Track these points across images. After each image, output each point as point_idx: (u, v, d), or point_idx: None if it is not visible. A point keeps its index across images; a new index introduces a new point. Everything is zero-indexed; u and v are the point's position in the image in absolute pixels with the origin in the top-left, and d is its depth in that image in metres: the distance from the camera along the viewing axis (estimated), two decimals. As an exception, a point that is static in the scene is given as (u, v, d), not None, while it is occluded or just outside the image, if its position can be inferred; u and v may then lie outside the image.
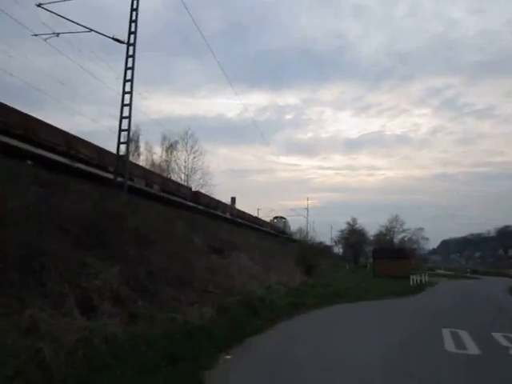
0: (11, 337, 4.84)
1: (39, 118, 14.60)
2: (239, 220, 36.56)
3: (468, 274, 68.63)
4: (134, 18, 15.94)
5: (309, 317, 13.21)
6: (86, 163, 16.10)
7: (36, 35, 15.87)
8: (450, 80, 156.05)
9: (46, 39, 15.86)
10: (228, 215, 34.11)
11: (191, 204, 26.03)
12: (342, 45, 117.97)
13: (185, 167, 42.31)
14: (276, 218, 59.60)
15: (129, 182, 17.84)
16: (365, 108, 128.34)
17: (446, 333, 10.46)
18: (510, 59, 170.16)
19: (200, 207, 27.00)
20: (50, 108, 71.89)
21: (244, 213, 41.08)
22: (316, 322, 12.44)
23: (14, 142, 12.42)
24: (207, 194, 33.22)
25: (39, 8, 15.29)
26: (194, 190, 30.70)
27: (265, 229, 46.72)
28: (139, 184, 20.49)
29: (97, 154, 17.18)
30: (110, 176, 16.12)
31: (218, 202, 33.72)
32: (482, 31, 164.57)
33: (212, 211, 29.08)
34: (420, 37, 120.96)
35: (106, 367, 5.28)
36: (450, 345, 9.12)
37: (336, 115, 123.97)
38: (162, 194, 22.72)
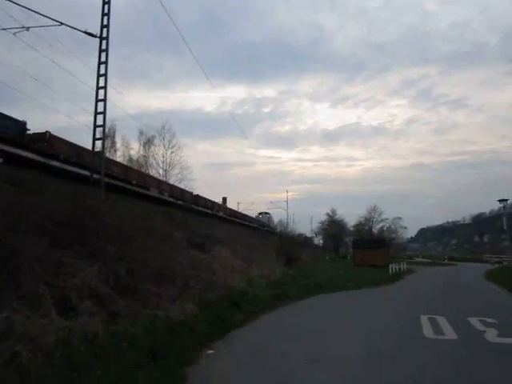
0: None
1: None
2: (231, 218, 39.59)
3: (445, 261, 70.34)
4: (106, 11, 15.61)
5: (291, 308, 13.31)
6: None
7: (4, 29, 15.38)
8: (425, 71, 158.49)
9: (15, 33, 15.38)
10: (222, 214, 37.80)
11: (193, 206, 29.09)
12: (319, 36, 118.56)
13: (163, 162, 41.91)
14: (261, 213, 63.26)
15: (145, 191, 22.14)
16: (342, 99, 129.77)
17: (424, 319, 10.67)
18: (482, 49, 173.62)
19: (200, 208, 30.37)
20: (24, 105, 70.10)
21: (235, 211, 45.22)
22: (298, 313, 12.55)
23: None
24: (203, 196, 35.24)
25: (7, 1, 14.80)
26: (186, 190, 33.43)
27: (253, 225, 49.33)
28: (154, 193, 24.08)
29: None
30: (87, 173, 15.83)
31: (214, 202, 37.67)
32: (454, 22, 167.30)
33: (209, 211, 33.23)
34: (395, 28, 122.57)
35: (87, 367, 5.19)
36: (428, 331, 9.31)
37: (314, 107, 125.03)
38: (170, 198, 25.88)
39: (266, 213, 65.32)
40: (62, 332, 5.64)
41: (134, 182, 22.30)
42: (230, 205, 48.03)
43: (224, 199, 50.18)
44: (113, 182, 18.43)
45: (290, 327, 10.22)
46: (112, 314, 7.47)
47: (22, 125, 15.37)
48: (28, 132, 15.27)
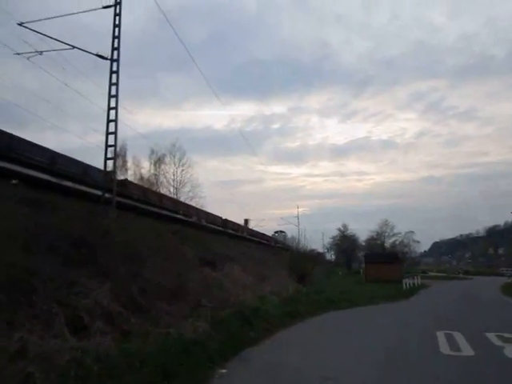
0: (0, 362, 4.73)
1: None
2: (253, 238, 42.69)
3: (460, 275, 69.17)
4: (116, 34, 15.94)
5: (304, 325, 13.16)
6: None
7: (19, 54, 15.77)
8: (433, 84, 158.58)
9: (29, 58, 15.77)
10: (245, 234, 41.05)
11: (222, 229, 32.31)
12: (326, 53, 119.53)
13: (173, 180, 42.13)
14: (277, 232, 67.80)
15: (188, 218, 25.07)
16: (351, 114, 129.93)
17: (440, 335, 10.48)
18: (490, 61, 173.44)
19: (229, 231, 33.77)
20: (36, 126, 71.33)
21: (256, 231, 48.33)
22: (311, 331, 12.40)
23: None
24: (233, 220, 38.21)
25: (22, 27, 15.23)
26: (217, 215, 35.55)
27: (271, 243, 51.64)
28: (198, 221, 27.00)
29: (141, 191, 18.35)
30: (99, 192, 15.98)
31: (239, 225, 41.34)
32: (462, 35, 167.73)
33: (237, 234, 36.93)
34: (402, 42, 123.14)
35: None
36: (444, 347, 9.14)
37: (322, 122, 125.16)
38: (204, 223, 28.22)
39: (282, 231, 68.37)
40: (75, 352, 5.64)
41: (181, 212, 25.31)
42: (239, 221, 48.19)
43: (246, 221, 52.41)
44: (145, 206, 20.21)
45: (304, 344, 10.09)
46: (124, 333, 7.46)
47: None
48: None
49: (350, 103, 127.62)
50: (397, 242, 76.35)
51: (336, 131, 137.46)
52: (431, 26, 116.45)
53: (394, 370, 7.37)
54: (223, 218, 35.65)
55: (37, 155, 14.56)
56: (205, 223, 28.32)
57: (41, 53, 15.73)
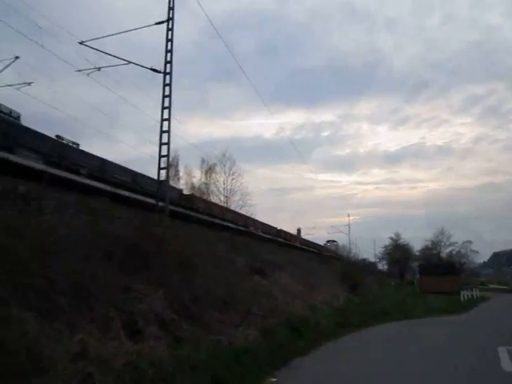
0: (62, 361, 4.98)
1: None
2: (303, 246, 44.15)
3: (524, 288, 64.90)
4: (169, 48, 16.51)
5: (355, 336, 12.88)
6: (200, 212, 17.20)
7: (80, 71, 16.73)
8: (491, 86, 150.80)
9: (88, 74, 16.69)
10: (297, 244, 42.98)
11: (275, 238, 34.40)
12: (376, 58, 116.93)
13: (224, 189, 42.82)
14: (329, 241, 68.08)
15: (246, 229, 27.08)
16: (403, 120, 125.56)
17: (502, 351, 9.89)
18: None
19: (280, 239, 35.79)
20: (95, 138, 74.99)
21: (307, 240, 50.44)
22: (363, 342, 12.11)
23: (64, 174, 12.98)
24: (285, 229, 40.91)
25: (82, 45, 16.18)
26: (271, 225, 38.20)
27: (322, 253, 51.81)
28: (255, 231, 29.50)
29: (205, 204, 21.06)
30: (153, 201, 16.52)
31: (292, 235, 44.00)
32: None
33: (289, 242, 39.06)
34: (456, 45, 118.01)
35: (154, 391, 5.32)
36: (507, 364, 8.62)
37: (373, 129, 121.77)
38: (261, 233, 30.82)
39: (333, 241, 68.82)
40: (131, 355, 5.83)
41: (240, 223, 27.53)
42: (290, 230, 48.27)
43: (298, 230, 54.17)
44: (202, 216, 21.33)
45: (355, 356, 9.87)
46: (176, 339, 7.62)
47: (179, 191, 24.34)
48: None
49: (402, 109, 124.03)
50: (454, 252, 73.02)
51: (388, 138, 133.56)
52: (487, 27, 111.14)
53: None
54: (277, 228, 38.01)
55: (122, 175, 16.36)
56: (261, 233, 30.37)
57: (99, 69, 16.61)
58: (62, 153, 14.27)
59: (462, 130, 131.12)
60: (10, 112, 17.66)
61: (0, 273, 5.37)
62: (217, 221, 22.93)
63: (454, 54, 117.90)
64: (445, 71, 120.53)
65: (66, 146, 15.82)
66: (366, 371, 8.09)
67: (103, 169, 16.09)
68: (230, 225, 24.40)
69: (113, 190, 15.31)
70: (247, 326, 9.86)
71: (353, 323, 14.68)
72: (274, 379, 7.43)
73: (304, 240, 49.14)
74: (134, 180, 18.03)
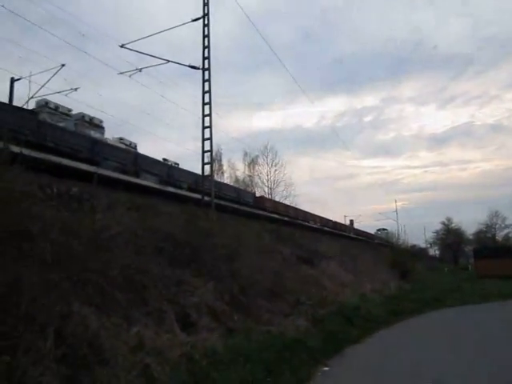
0: (122, 353, 5.21)
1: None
2: (359, 237, 46.72)
3: None
4: (206, 44, 16.65)
5: (408, 324, 12.62)
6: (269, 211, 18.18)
7: (122, 73, 17.24)
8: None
9: (130, 75, 17.19)
10: (352, 234, 45.42)
11: (333, 230, 37.44)
12: (419, 37, 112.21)
13: (267, 180, 43.04)
14: (379, 229, 69.65)
15: (306, 223, 30.64)
16: (450, 99, 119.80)
17: None
18: None
19: (334, 231, 38.13)
20: (140, 137, 77.10)
21: (360, 230, 53.48)
22: (417, 330, 11.84)
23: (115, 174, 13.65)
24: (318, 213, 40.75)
25: (123, 49, 16.66)
26: (329, 219, 41.85)
27: (371, 241, 53.75)
28: (315, 225, 33.29)
29: (273, 204, 21.92)
30: (198, 196, 16.86)
31: (346, 225, 48.03)
32: None
33: (344, 233, 41.36)
34: (505, 17, 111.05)
35: (209, 381, 5.46)
36: None
37: (418, 111, 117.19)
38: (319, 226, 34.49)
39: (384, 229, 69.47)
40: (185, 346, 6.01)
41: (300, 218, 31.14)
42: (336, 219, 48.04)
43: (351, 221, 56.39)
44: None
45: (408, 344, 9.68)
46: (228, 330, 7.77)
47: (253, 194, 28.68)
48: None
49: (448, 87, 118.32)
50: (510, 235, 69.78)
51: (434, 119, 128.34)
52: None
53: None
54: (333, 220, 41.39)
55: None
56: (320, 226, 33.71)
57: (140, 70, 17.07)
58: (168, 172, 18.85)
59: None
60: (130, 143, 22.71)
61: (59, 271, 5.66)
62: (283, 218, 26.17)
63: (503, 26, 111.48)
64: (492, 45, 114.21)
65: (171, 166, 20.17)
66: (418, 360, 7.92)
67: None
68: (283, 218, 26.45)
69: (160, 187, 15.89)
70: (297, 315, 9.89)
71: (404, 311, 14.37)
72: (327, 368, 7.43)
73: (357, 230, 51.51)
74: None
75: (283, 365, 6.81)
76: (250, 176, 43.68)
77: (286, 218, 26.62)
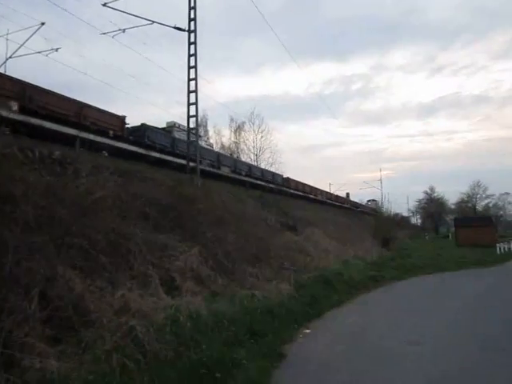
0: (107, 316, 5.28)
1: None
2: (356, 209, 50.74)
3: None
4: (192, 4, 16.13)
5: (388, 290, 12.98)
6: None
7: (104, 33, 16.63)
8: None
9: (113, 36, 16.60)
10: (348, 205, 48.90)
11: (328, 201, 40.53)
12: (409, 4, 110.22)
13: (253, 147, 42.81)
14: (369, 200, 69.72)
15: (309, 195, 35.68)
16: (438, 69, 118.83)
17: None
18: None
19: (330, 201, 41.00)
20: (122, 101, 75.43)
21: (357, 202, 56.99)
22: (396, 296, 12.20)
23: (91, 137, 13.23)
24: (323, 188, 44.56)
25: (106, 7, 15.99)
26: (327, 191, 45.37)
27: (367, 211, 55.85)
28: (321, 197, 38.43)
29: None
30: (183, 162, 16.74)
31: (343, 197, 51.43)
32: None
33: (343, 205, 45.98)
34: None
35: (193, 342, 5.58)
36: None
37: (407, 79, 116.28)
38: (324, 198, 39.63)
39: (374, 200, 71.10)
40: (170, 310, 6.10)
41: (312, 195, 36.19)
42: (322, 187, 48.43)
43: (347, 194, 58.98)
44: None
45: (387, 308, 9.99)
46: (212, 293, 7.90)
47: (281, 176, 30.37)
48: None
49: (437, 56, 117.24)
50: (490, 205, 71.13)
51: (422, 88, 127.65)
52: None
53: (480, 341, 7.04)
54: (335, 193, 44.99)
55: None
56: (324, 199, 38.51)
57: (124, 30, 16.44)
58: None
59: (501, 76, 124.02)
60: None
61: (44, 234, 5.63)
62: (300, 193, 32.30)
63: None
64: (485, 14, 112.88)
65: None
66: (396, 323, 8.21)
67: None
68: (305, 194, 33.61)
69: (144, 151, 15.62)
70: (280, 280, 10.08)
71: (385, 277, 14.75)
72: (308, 330, 7.65)
73: (354, 202, 54.86)
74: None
75: (266, 327, 6.99)
76: (235, 142, 43.41)
77: (301, 193, 32.62)
